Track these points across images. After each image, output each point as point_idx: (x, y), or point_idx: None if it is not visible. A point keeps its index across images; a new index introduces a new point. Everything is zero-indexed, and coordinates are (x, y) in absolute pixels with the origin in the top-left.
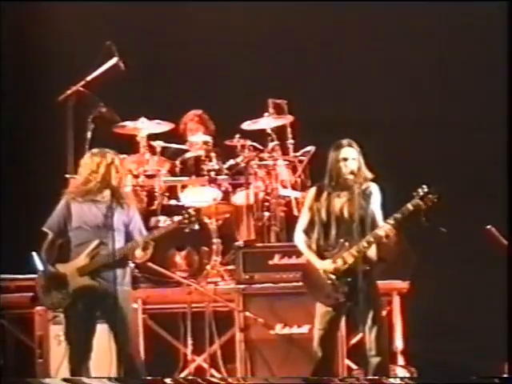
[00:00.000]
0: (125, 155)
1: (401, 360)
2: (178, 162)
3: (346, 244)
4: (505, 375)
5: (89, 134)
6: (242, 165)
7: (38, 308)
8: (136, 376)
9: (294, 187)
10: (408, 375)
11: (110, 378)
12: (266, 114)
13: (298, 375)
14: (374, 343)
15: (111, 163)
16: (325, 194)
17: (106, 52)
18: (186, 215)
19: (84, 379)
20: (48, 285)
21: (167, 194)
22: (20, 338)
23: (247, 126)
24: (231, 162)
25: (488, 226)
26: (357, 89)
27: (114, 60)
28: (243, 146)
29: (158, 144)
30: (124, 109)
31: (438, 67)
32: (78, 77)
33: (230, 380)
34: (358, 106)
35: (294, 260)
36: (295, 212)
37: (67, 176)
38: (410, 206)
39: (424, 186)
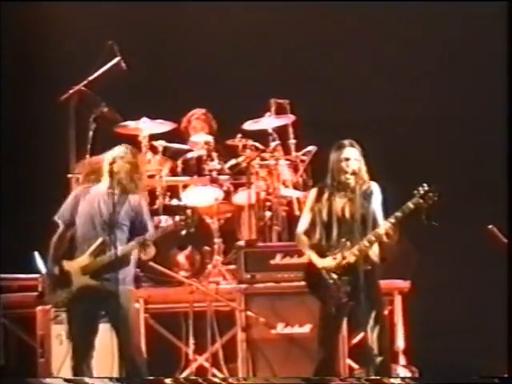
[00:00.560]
0: None
1: (402, 359)
2: (179, 162)
3: (348, 243)
4: (505, 375)
5: (90, 134)
6: (244, 164)
7: (40, 307)
8: (138, 376)
9: (295, 187)
10: (409, 375)
11: (111, 378)
12: (268, 113)
13: (299, 374)
14: (376, 343)
15: (121, 156)
16: (326, 195)
17: (107, 52)
18: (184, 217)
19: (86, 379)
20: (53, 283)
21: (169, 194)
22: (22, 338)
23: (249, 125)
24: (233, 161)
25: (489, 226)
26: (358, 88)
27: (116, 60)
28: (245, 146)
29: (160, 144)
30: (126, 109)
31: (438, 67)
32: (80, 76)
33: (230, 380)
34: (359, 106)
35: (295, 259)
36: (297, 212)
37: (69, 176)
38: (410, 204)
39: (424, 185)
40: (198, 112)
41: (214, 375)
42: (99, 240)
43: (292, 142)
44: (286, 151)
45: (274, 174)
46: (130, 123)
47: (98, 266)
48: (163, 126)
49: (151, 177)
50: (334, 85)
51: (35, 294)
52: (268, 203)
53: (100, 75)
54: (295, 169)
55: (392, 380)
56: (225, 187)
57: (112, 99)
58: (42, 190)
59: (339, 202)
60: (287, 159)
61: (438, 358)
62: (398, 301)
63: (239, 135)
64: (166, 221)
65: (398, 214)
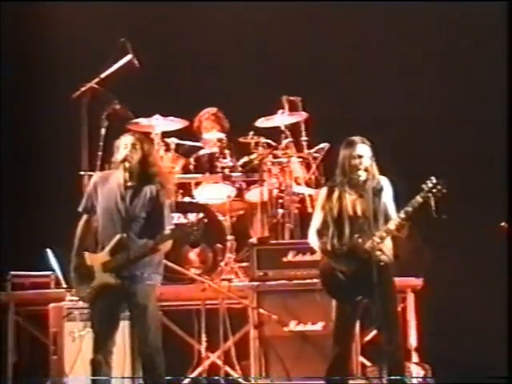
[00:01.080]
0: None
1: (415, 357)
2: (192, 159)
3: (360, 241)
4: None
5: (103, 131)
6: (256, 162)
7: (53, 304)
8: (156, 375)
9: (307, 184)
10: (422, 372)
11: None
12: (280, 111)
13: (311, 372)
14: (390, 340)
15: (129, 144)
16: (336, 193)
17: (120, 49)
18: (189, 224)
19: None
20: (79, 277)
21: (181, 191)
22: (34, 335)
23: (261, 123)
24: (245, 159)
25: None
26: (369, 86)
27: (129, 57)
28: (257, 143)
29: (172, 141)
30: (138, 106)
31: (438, 67)
32: (92, 74)
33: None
34: (370, 104)
35: (307, 257)
36: (309, 209)
37: (81, 173)
38: (419, 198)
39: (432, 178)
40: (209, 112)
41: (226, 373)
42: (117, 237)
43: (304, 139)
44: (299, 148)
45: (287, 172)
46: (143, 120)
47: (117, 263)
48: (175, 123)
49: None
50: (345, 82)
51: (48, 291)
52: (280, 201)
53: (112, 72)
54: (307, 166)
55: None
56: (237, 185)
57: (124, 96)
58: (55, 188)
59: (350, 200)
60: (299, 156)
61: (451, 356)
62: (410, 298)
63: (251, 133)
64: (178, 218)
65: (408, 208)
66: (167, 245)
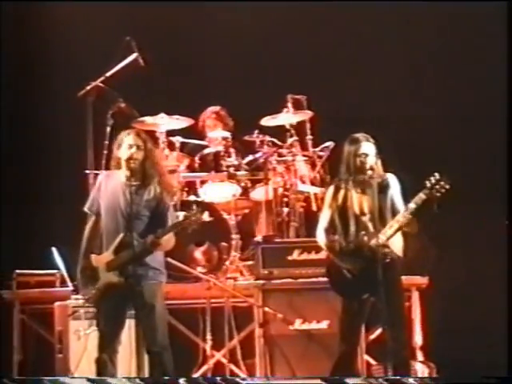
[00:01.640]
0: None
1: (420, 355)
2: (196, 158)
3: (365, 238)
4: None
5: (108, 130)
6: (261, 160)
7: (58, 303)
8: (165, 373)
9: (312, 183)
10: (427, 371)
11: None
12: (285, 109)
13: (316, 370)
14: (396, 339)
15: (134, 143)
16: (343, 191)
17: (125, 48)
18: (189, 213)
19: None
20: (85, 279)
21: (186, 190)
22: (40, 333)
23: (266, 121)
24: (250, 157)
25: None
26: (374, 85)
27: (134, 56)
28: (262, 142)
29: (177, 140)
30: (143, 104)
31: (441, 66)
32: (97, 72)
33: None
34: (374, 102)
35: (313, 255)
36: (314, 207)
37: (87, 172)
38: (422, 194)
39: (436, 174)
40: (212, 110)
41: (231, 371)
42: (120, 236)
43: (309, 137)
44: (304, 147)
45: (292, 170)
46: (148, 119)
47: (121, 262)
48: (180, 122)
49: (169, 173)
50: (350, 81)
51: (53, 289)
52: (285, 199)
53: (118, 71)
54: (312, 165)
55: (411, 380)
56: (242, 183)
57: (129, 95)
58: (60, 186)
59: (356, 197)
60: (304, 155)
61: (456, 354)
62: (415, 297)
63: (256, 131)
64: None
65: (411, 205)
66: (170, 242)
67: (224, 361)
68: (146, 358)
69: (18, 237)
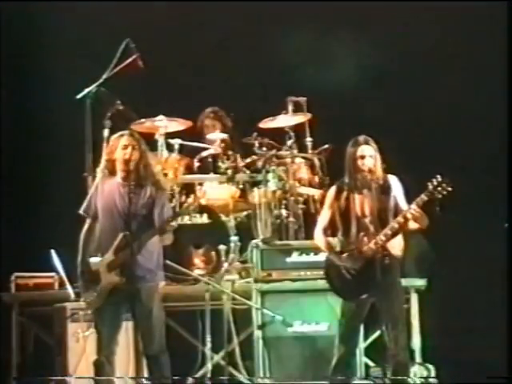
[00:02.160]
0: None
1: (418, 357)
2: (195, 160)
3: (365, 239)
4: None
5: (106, 132)
6: (260, 162)
7: (57, 305)
8: (162, 376)
9: (311, 185)
10: (425, 373)
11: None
12: (284, 111)
13: (316, 372)
14: (395, 341)
15: (128, 144)
16: (345, 193)
17: (124, 49)
18: (186, 204)
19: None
20: (85, 282)
21: (185, 192)
22: (38, 336)
23: (265, 123)
24: (249, 159)
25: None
26: (374, 86)
27: (133, 57)
28: (261, 144)
29: (176, 142)
30: (142, 106)
31: (438, 67)
32: (95, 74)
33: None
34: (374, 104)
35: (311, 257)
36: (313, 210)
37: (85, 174)
38: (424, 196)
39: (438, 176)
40: (210, 111)
41: (230, 374)
42: (120, 236)
43: (308, 139)
44: (303, 149)
45: (291, 172)
46: (146, 121)
47: (121, 262)
48: (179, 124)
49: (167, 175)
50: (349, 82)
51: (52, 291)
52: (284, 201)
53: (116, 73)
54: (311, 167)
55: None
56: (241, 185)
57: (128, 97)
58: (59, 189)
59: (358, 200)
60: (303, 157)
61: (454, 356)
62: (414, 298)
63: (255, 133)
64: (181, 219)
65: (413, 206)
66: (168, 239)
67: (222, 363)
68: (144, 359)
69: (17, 239)
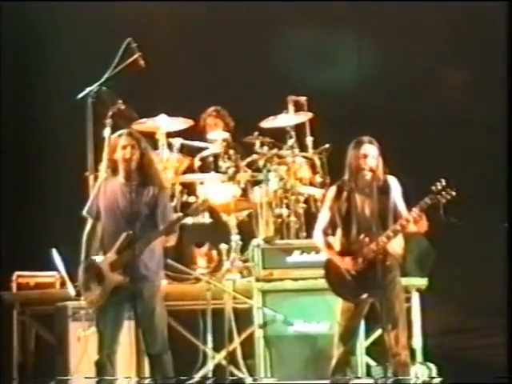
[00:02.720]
0: None
1: (419, 357)
2: (196, 159)
3: (366, 240)
4: None
5: (108, 131)
6: (261, 162)
7: (58, 304)
8: (164, 375)
9: (312, 184)
10: (427, 372)
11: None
12: (285, 111)
13: (317, 372)
14: (395, 340)
15: (128, 144)
16: (345, 192)
17: (125, 49)
18: (194, 206)
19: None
20: (87, 281)
21: (186, 191)
22: (40, 335)
23: (266, 123)
24: (250, 158)
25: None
26: (375, 86)
27: (135, 57)
28: (262, 143)
29: (177, 141)
30: (143, 106)
31: (437, 67)
32: (97, 73)
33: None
34: (376, 103)
35: (312, 257)
36: (314, 209)
37: (87, 174)
38: (428, 200)
39: (442, 180)
40: (211, 110)
41: (231, 373)
42: (123, 235)
43: (309, 139)
44: (304, 148)
45: (292, 171)
46: (148, 120)
47: (123, 262)
48: (181, 123)
49: (168, 174)
50: (350, 82)
51: (53, 291)
52: (285, 200)
53: (118, 72)
54: (312, 166)
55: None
56: (242, 184)
57: (129, 96)
58: (60, 188)
59: (358, 199)
60: (304, 156)
61: (455, 356)
62: (415, 298)
63: (256, 133)
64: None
65: (416, 209)
66: (173, 240)
67: (224, 362)
68: (146, 359)
69: (18, 238)
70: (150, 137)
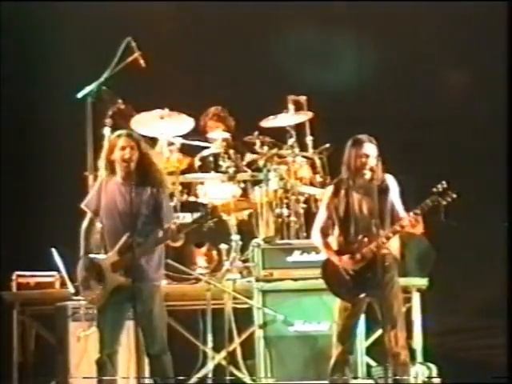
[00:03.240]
0: None
1: (420, 357)
2: (197, 159)
3: (365, 240)
4: None
5: (107, 131)
6: (261, 161)
7: (58, 304)
8: (164, 375)
9: (312, 184)
10: (427, 372)
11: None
12: (285, 110)
13: (317, 372)
14: (394, 340)
15: (127, 145)
16: (343, 191)
17: (125, 48)
18: (204, 212)
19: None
20: (87, 278)
21: (186, 191)
22: (40, 335)
23: (266, 122)
24: (250, 158)
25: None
26: (375, 86)
27: (134, 56)
28: (262, 143)
29: (177, 140)
30: (143, 105)
31: (437, 67)
32: (97, 73)
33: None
34: (376, 103)
35: (313, 257)
36: (314, 209)
37: (86, 173)
38: (429, 201)
39: (443, 182)
40: (213, 110)
41: (231, 373)
42: (124, 236)
43: (309, 138)
44: (304, 148)
45: (292, 171)
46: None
47: (125, 263)
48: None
49: (169, 174)
50: (349, 82)
51: (53, 290)
52: (285, 200)
53: (118, 71)
54: (312, 166)
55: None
56: (242, 184)
57: (129, 95)
58: (60, 188)
59: (356, 198)
60: (304, 156)
61: (455, 355)
62: (416, 298)
63: (256, 132)
64: (183, 218)
65: (417, 210)
66: (182, 239)
67: (224, 362)
68: (145, 359)
69: (18, 238)
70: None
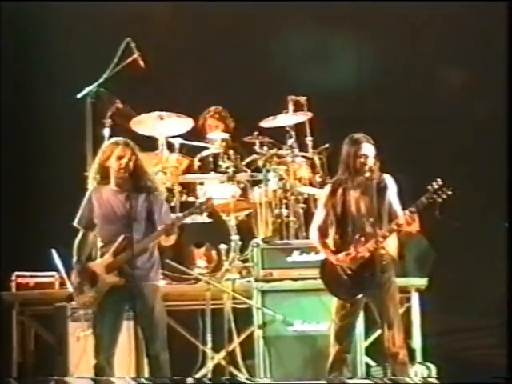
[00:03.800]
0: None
1: (419, 357)
2: (196, 159)
3: (362, 239)
4: None
5: (107, 131)
6: (261, 162)
7: (57, 304)
8: (161, 373)
9: (312, 184)
10: (426, 372)
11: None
12: (285, 110)
13: (316, 372)
14: (392, 340)
15: (124, 155)
16: (340, 191)
17: (125, 49)
18: (198, 204)
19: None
20: (80, 284)
21: (185, 191)
22: (39, 335)
23: (266, 123)
24: (249, 158)
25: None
26: (374, 86)
27: (134, 57)
28: (262, 143)
29: (177, 141)
30: (142, 105)
31: (437, 67)
32: (96, 73)
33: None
34: (375, 103)
35: (312, 257)
36: (313, 209)
37: (86, 174)
38: (424, 199)
39: (438, 180)
40: (213, 110)
41: (231, 373)
42: (119, 238)
43: (309, 139)
44: (303, 148)
45: (291, 171)
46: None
47: (121, 263)
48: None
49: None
50: (349, 81)
51: (53, 291)
52: (285, 200)
53: (117, 72)
54: (312, 166)
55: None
56: (241, 184)
57: (128, 96)
58: (59, 188)
59: (354, 198)
60: (304, 156)
61: (455, 355)
62: (415, 298)
63: (256, 132)
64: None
65: (412, 208)
66: (172, 239)
67: (223, 362)
68: (144, 359)
69: (18, 238)
70: (149, 137)
